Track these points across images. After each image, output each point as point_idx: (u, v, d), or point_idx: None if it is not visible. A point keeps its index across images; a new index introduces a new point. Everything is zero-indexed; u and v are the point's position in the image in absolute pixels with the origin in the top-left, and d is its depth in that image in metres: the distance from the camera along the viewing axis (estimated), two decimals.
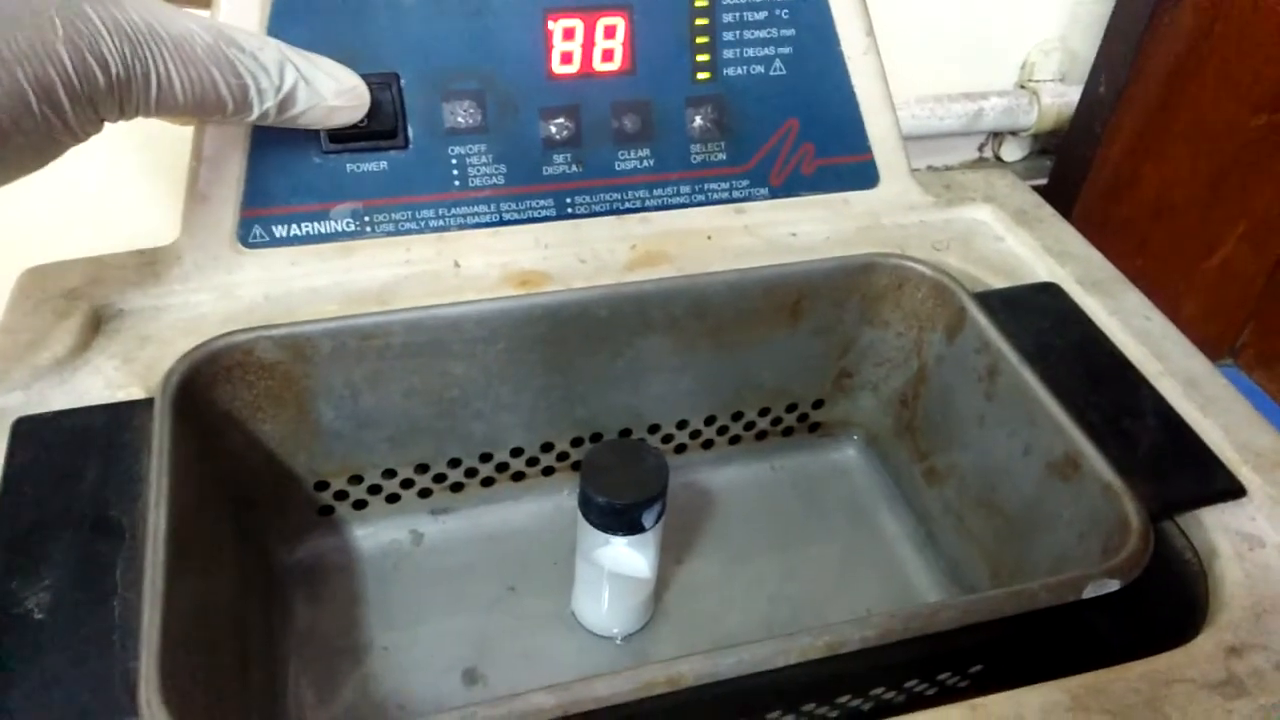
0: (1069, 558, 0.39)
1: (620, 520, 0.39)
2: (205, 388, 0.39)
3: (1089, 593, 0.33)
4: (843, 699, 0.37)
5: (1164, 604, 0.37)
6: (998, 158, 0.81)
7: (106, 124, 0.35)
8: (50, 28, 0.32)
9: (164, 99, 0.35)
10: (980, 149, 0.81)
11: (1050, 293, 0.46)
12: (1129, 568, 0.34)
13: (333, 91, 0.40)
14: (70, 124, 0.34)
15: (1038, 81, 0.76)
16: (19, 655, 0.30)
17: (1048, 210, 0.51)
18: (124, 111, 0.35)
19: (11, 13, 0.32)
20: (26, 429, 0.36)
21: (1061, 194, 0.75)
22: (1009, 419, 0.42)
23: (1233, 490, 0.37)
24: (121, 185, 0.61)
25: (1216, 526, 0.37)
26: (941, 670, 0.38)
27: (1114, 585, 0.34)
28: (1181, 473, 0.38)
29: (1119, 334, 0.44)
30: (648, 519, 0.39)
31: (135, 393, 0.38)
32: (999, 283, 0.47)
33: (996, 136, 0.80)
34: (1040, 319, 0.44)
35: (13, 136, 0.32)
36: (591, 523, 0.39)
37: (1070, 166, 0.75)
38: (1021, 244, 0.49)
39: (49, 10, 0.32)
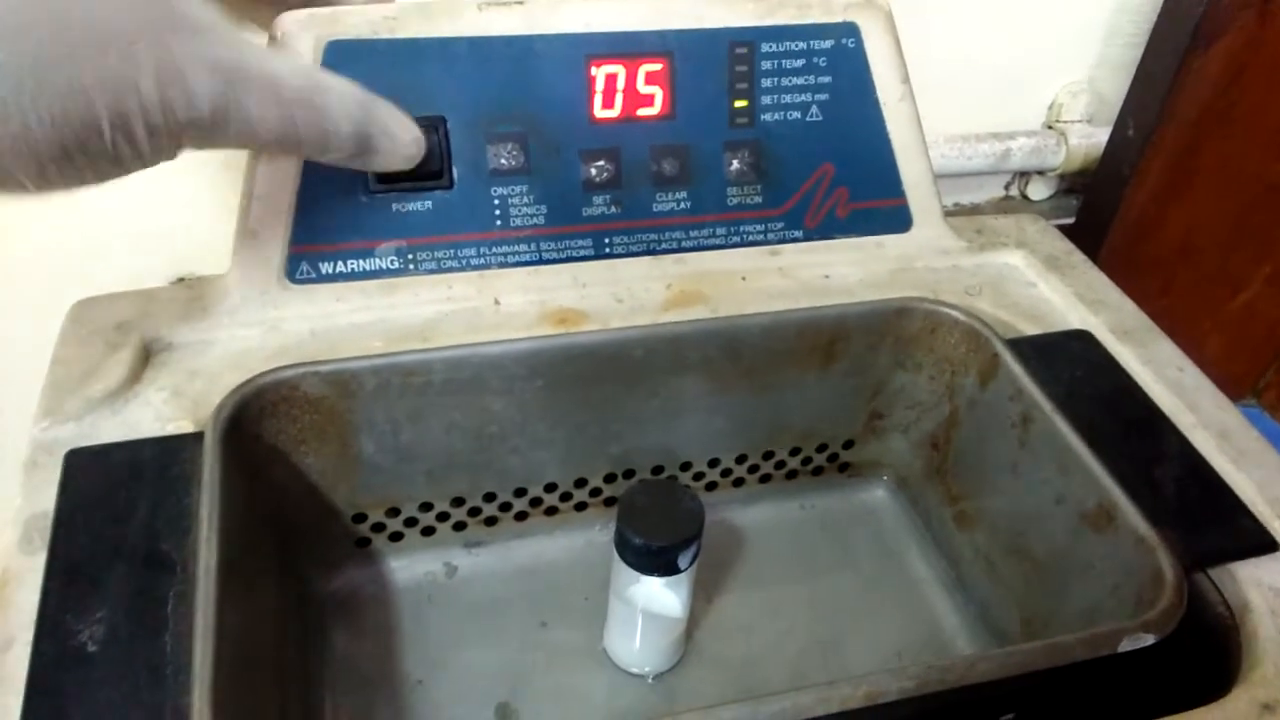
0: (1101, 608, 0.39)
1: (656, 561, 0.39)
2: (252, 422, 0.40)
3: (1124, 647, 0.34)
4: None
5: (1196, 658, 0.37)
6: (1024, 196, 0.81)
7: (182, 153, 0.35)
8: (136, 59, 0.32)
9: (243, 136, 0.35)
10: (1007, 187, 0.82)
11: (1083, 340, 0.46)
12: (1164, 622, 0.34)
13: (409, 141, 0.40)
14: (142, 153, 0.33)
15: (1065, 122, 0.77)
16: (73, 687, 0.30)
17: (1079, 257, 0.52)
18: (201, 145, 0.35)
19: (100, 41, 0.31)
20: (80, 461, 0.37)
21: (1089, 234, 0.75)
22: (1042, 467, 0.42)
23: (1265, 544, 0.38)
24: (162, 208, 0.62)
25: (1249, 581, 0.37)
26: (974, 718, 0.39)
27: (1149, 640, 0.34)
28: (1214, 526, 0.38)
29: (1152, 384, 0.44)
30: (683, 561, 0.40)
31: (185, 426, 0.39)
32: (1031, 329, 0.47)
33: (1023, 175, 0.81)
34: (1073, 367, 0.44)
35: (75, 158, 0.32)
36: (627, 562, 0.40)
37: (1098, 207, 0.76)
38: (1053, 290, 0.50)
39: (140, 41, 0.32)
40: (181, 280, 0.45)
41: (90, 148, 0.32)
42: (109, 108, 0.32)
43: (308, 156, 0.38)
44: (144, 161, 0.34)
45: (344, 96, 0.38)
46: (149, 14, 0.32)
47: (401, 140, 0.40)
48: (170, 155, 0.35)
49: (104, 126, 0.32)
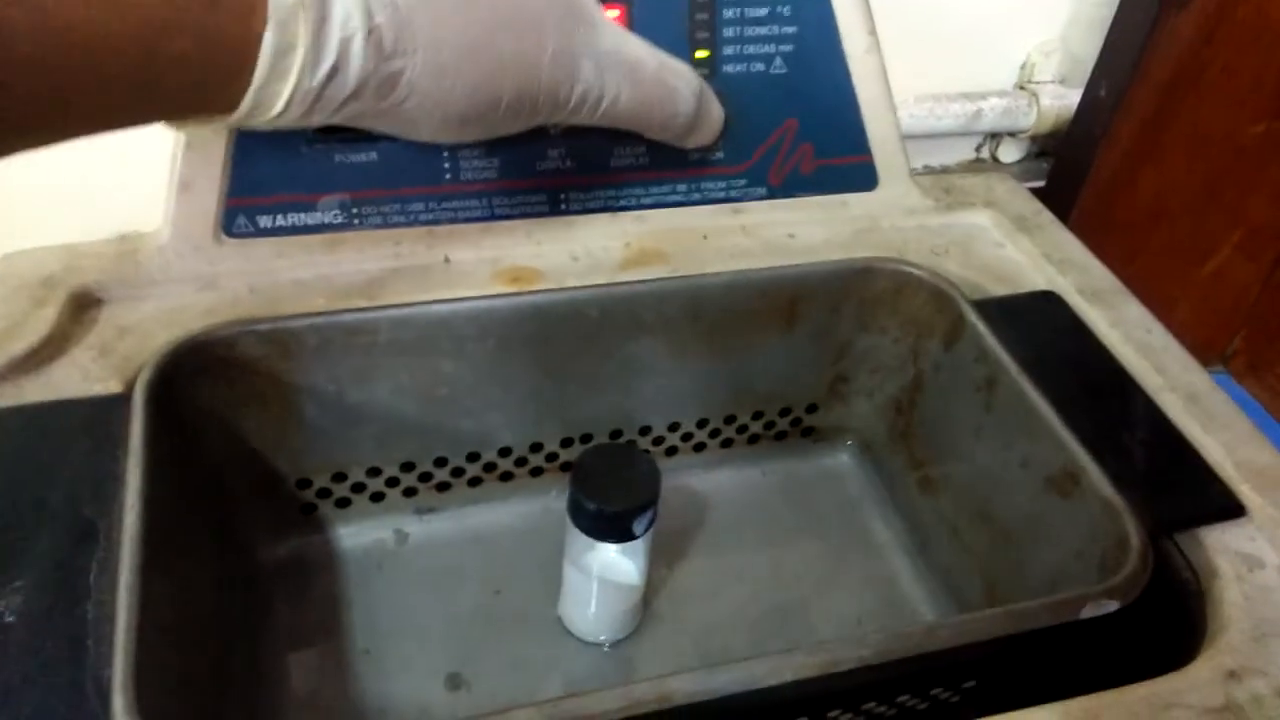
0: (1066, 574, 0.38)
1: (610, 527, 0.38)
2: (185, 383, 0.38)
3: (1087, 613, 0.33)
4: (833, 714, 0.36)
5: (1161, 624, 0.36)
6: (994, 159, 0.80)
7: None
8: (544, 45, 0.36)
9: (609, 113, 0.39)
10: (977, 149, 0.80)
11: (1050, 302, 0.45)
12: (1128, 588, 0.33)
13: (718, 117, 0.45)
14: (523, 122, 0.38)
15: (1037, 83, 0.75)
16: None
17: (1048, 217, 0.51)
18: (572, 118, 0.39)
19: (520, 25, 0.35)
20: (1, 422, 0.35)
21: (1059, 197, 0.74)
22: (1007, 431, 0.41)
23: (1232, 509, 0.37)
24: (99, 170, 0.60)
25: (1216, 546, 0.36)
26: (934, 685, 0.38)
27: (1113, 606, 0.33)
28: (1181, 491, 0.38)
29: (1120, 346, 0.43)
30: (638, 526, 0.38)
31: (113, 386, 0.37)
32: (998, 290, 0.46)
33: (994, 137, 0.79)
34: (1040, 329, 0.43)
35: (471, 123, 0.37)
36: (581, 528, 0.39)
37: (1069, 169, 0.74)
38: (1021, 251, 0.48)
39: (548, 27, 0.36)
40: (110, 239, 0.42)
41: (487, 117, 0.36)
42: (515, 86, 0.36)
43: (645, 133, 0.43)
44: (518, 128, 0.39)
45: (689, 81, 0.42)
46: (557, 4, 0.37)
47: (716, 119, 0.45)
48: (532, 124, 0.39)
49: (502, 103, 0.36)
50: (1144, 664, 0.33)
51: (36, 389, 0.37)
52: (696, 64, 0.45)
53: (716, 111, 0.44)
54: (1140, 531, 0.35)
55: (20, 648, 0.29)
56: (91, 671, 0.29)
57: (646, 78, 0.40)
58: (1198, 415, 0.40)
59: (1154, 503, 0.36)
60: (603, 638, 0.43)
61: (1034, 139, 0.79)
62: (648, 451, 0.49)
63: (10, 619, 0.30)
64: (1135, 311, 0.45)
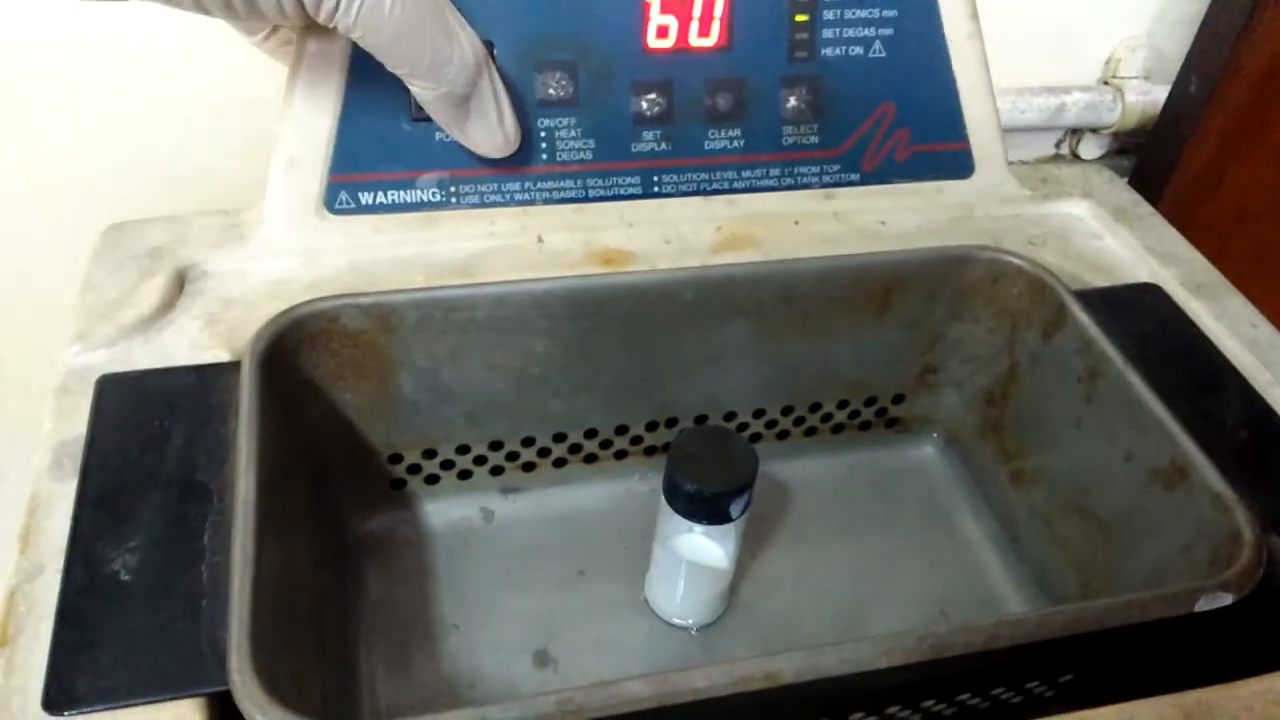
0: (1170, 569, 0.37)
1: (706, 509, 0.38)
2: (290, 354, 0.39)
3: (1201, 606, 0.32)
4: (928, 703, 0.36)
5: (1268, 622, 0.35)
6: (1075, 154, 0.79)
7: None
8: None
9: (368, 19, 0.34)
10: (1057, 145, 0.79)
11: (1152, 294, 0.44)
12: (1243, 581, 0.33)
13: (510, 119, 0.42)
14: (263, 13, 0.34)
15: (1122, 78, 0.74)
16: (105, 616, 0.29)
17: (1147, 209, 0.50)
18: (320, 12, 0.34)
19: None
20: (113, 387, 0.36)
21: (1143, 194, 0.73)
22: (1110, 423, 0.40)
23: None
24: (193, 148, 0.61)
25: None
26: (1030, 679, 0.37)
27: (1227, 599, 0.32)
28: None
29: (1225, 340, 0.42)
30: (735, 509, 0.38)
31: (220, 355, 0.38)
32: (1098, 281, 0.45)
33: (1075, 133, 0.78)
34: (1143, 321, 0.42)
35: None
36: (676, 509, 0.38)
37: (1154, 167, 0.73)
38: (1121, 243, 0.47)
39: None
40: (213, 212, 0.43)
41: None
42: None
43: (411, 75, 0.38)
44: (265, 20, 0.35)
45: (474, 40, 0.39)
46: None
47: (506, 117, 0.41)
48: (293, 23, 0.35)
49: None
50: (1252, 660, 0.33)
51: (146, 356, 0.38)
52: (796, 45, 0.45)
53: (509, 114, 0.41)
54: (1254, 525, 0.34)
55: (136, 606, 0.30)
56: (208, 632, 0.29)
57: None
58: None
59: (1264, 497, 0.36)
60: (690, 621, 0.43)
61: (1116, 135, 0.78)
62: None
63: (126, 578, 0.31)
64: (1239, 305, 0.44)
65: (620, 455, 0.48)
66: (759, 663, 0.29)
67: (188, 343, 0.38)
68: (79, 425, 0.35)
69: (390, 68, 0.37)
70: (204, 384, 0.36)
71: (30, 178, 0.59)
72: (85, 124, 0.58)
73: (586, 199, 0.45)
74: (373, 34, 0.35)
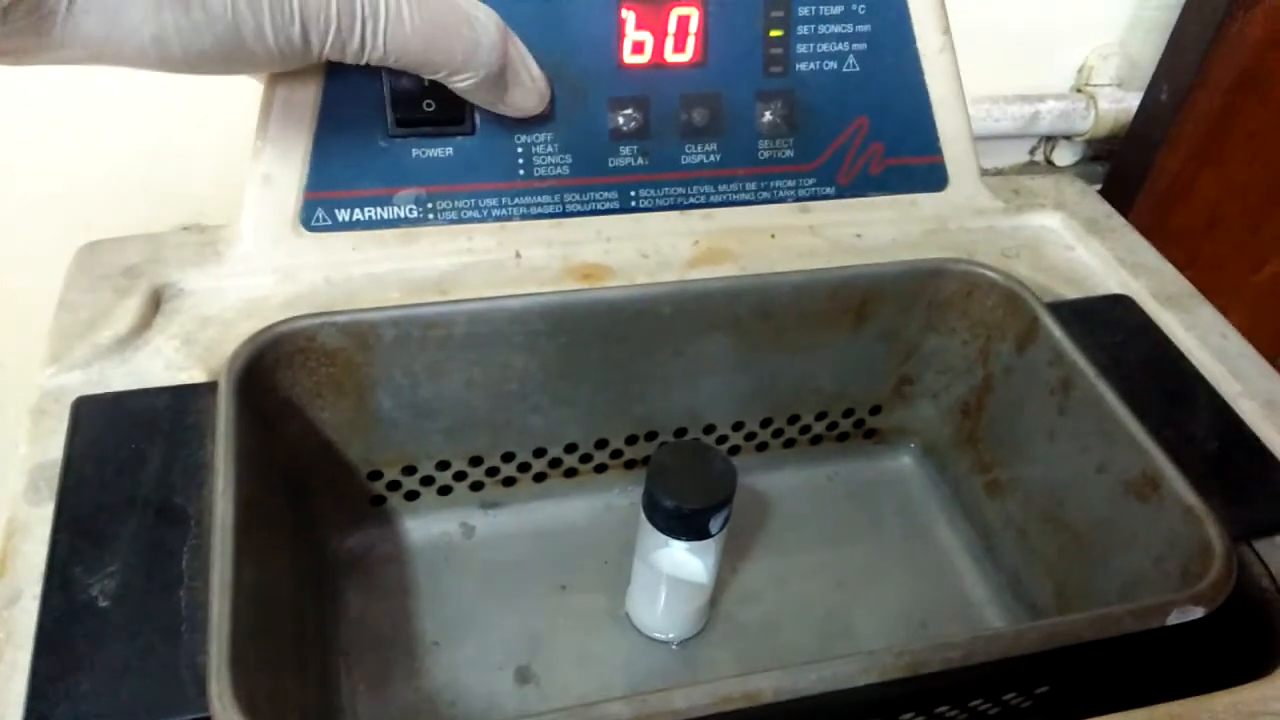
0: (1143, 581, 0.38)
1: (685, 524, 0.38)
2: (267, 373, 0.38)
3: (1173, 620, 0.32)
4: (906, 716, 0.36)
5: (1240, 634, 0.36)
6: (1049, 162, 0.80)
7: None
8: None
9: (396, 40, 0.35)
10: (1032, 152, 0.80)
11: (1124, 305, 0.45)
12: (1214, 594, 0.33)
13: (540, 76, 0.41)
14: (277, 60, 0.35)
15: (1095, 86, 0.75)
16: (84, 642, 0.29)
17: (1119, 220, 0.50)
18: (349, 48, 0.35)
19: None
20: (89, 409, 0.36)
21: (1115, 201, 0.73)
22: (1082, 434, 0.41)
23: None
24: (169, 158, 0.61)
25: None
26: (1008, 690, 0.37)
27: (1199, 613, 0.33)
28: (1259, 497, 0.37)
29: (1196, 351, 0.43)
30: (714, 525, 0.38)
31: (197, 375, 0.38)
32: (1070, 293, 0.46)
33: (1049, 140, 0.79)
34: (1114, 332, 0.43)
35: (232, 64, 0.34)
36: (655, 525, 0.39)
37: (1126, 174, 0.74)
38: (1093, 254, 0.48)
39: None
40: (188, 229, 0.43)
41: (235, 56, 0.33)
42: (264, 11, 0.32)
43: (449, 75, 0.38)
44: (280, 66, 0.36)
45: (488, 13, 0.38)
46: None
47: (537, 75, 0.41)
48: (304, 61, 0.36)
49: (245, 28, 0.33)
50: (1222, 673, 0.33)
51: (122, 377, 0.38)
52: (771, 60, 0.45)
53: (534, 67, 0.41)
54: (1224, 537, 0.35)
55: (115, 632, 0.30)
56: (187, 656, 0.29)
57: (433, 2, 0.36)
58: (1277, 422, 0.40)
59: (1234, 509, 0.36)
60: (671, 635, 0.43)
61: (1089, 142, 0.79)
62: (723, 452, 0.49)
63: (105, 604, 0.30)
64: (1209, 316, 0.45)
65: (600, 469, 0.48)
66: (738, 682, 0.29)
67: (164, 363, 0.38)
68: (55, 448, 0.34)
69: (429, 75, 0.38)
70: (181, 405, 0.36)
71: (2, 194, 0.59)
72: (59, 138, 0.58)
73: (564, 214, 0.45)
74: (404, 54, 0.36)
